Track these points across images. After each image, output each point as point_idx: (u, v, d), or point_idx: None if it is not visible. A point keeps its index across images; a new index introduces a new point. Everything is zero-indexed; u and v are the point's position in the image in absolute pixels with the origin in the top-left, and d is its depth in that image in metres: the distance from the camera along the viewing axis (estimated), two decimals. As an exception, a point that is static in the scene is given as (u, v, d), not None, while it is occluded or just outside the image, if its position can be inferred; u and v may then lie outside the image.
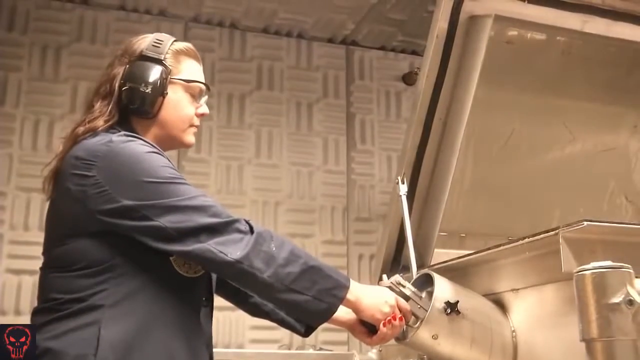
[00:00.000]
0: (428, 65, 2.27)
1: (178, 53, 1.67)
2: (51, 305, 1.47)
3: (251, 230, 1.47)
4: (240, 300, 1.86)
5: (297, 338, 3.17)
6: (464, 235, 2.46)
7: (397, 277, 1.69)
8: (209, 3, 3.61)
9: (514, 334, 1.72)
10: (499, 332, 1.71)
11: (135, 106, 1.59)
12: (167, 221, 1.43)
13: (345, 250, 3.74)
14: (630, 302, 1.18)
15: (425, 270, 1.83)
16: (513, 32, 2.38)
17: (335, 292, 1.51)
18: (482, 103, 2.28)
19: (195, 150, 3.56)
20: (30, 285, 3.11)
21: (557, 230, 1.46)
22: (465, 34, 2.30)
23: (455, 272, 1.87)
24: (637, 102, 2.66)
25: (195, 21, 3.74)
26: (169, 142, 1.67)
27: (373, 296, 1.59)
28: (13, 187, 3.24)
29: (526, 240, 1.58)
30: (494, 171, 2.51)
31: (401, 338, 1.71)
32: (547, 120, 2.56)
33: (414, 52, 4.09)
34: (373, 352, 2.44)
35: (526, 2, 2.32)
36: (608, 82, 2.60)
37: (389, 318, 1.59)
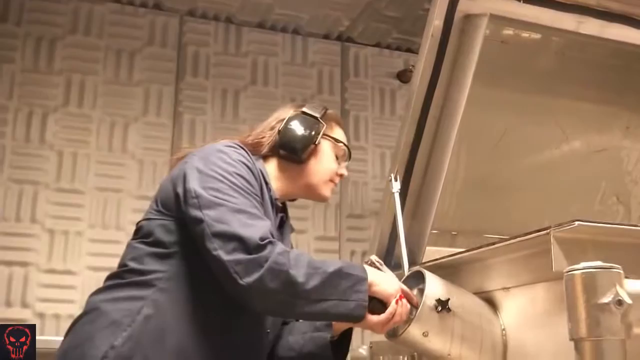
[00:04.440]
0: (422, 64, 2.27)
1: (331, 118, 1.87)
2: (119, 271, 1.60)
3: (273, 253, 1.47)
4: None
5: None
6: (455, 233, 2.46)
7: (373, 257, 1.71)
8: (205, -3, 3.61)
9: (504, 332, 1.72)
10: (490, 330, 1.71)
11: (287, 145, 1.76)
12: (207, 216, 1.50)
13: (337, 247, 3.75)
14: (620, 303, 1.18)
15: (417, 268, 1.84)
16: (508, 32, 2.39)
17: (357, 287, 1.54)
18: (476, 102, 2.28)
19: (188, 145, 3.56)
20: (21, 277, 3.10)
21: (548, 230, 1.46)
22: (460, 33, 2.30)
23: (447, 270, 1.88)
24: (630, 103, 2.67)
25: (191, 15, 3.73)
26: (307, 191, 1.82)
27: (384, 277, 1.64)
28: (5, 179, 3.23)
29: (517, 239, 1.59)
30: (487, 170, 2.52)
31: (392, 335, 1.72)
32: (541, 120, 2.56)
33: (409, 50, 4.09)
34: (363, 348, 2.45)
35: (522, 1, 2.32)
36: (602, 83, 2.60)
37: (399, 295, 1.61)
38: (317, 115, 1.82)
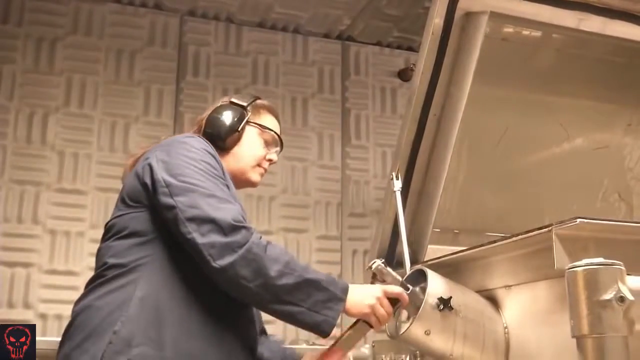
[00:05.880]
0: (423, 62, 2.27)
1: (260, 106, 1.92)
2: (99, 272, 1.59)
3: (248, 240, 1.50)
4: None
5: (290, 332, 3.18)
6: (457, 231, 2.46)
7: (379, 265, 1.67)
8: (205, -3, 3.60)
9: (506, 330, 1.72)
10: (492, 328, 1.71)
11: (212, 133, 1.81)
12: (179, 202, 1.53)
13: (339, 246, 3.75)
14: (621, 299, 1.18)
15: (419, 266, 1.84)
16: (508, 29, 2.39)
17: (330, 305, 1.53)
18: (476, 100, 2.28)
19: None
20: (23, 277, 3.10)
21: (550, 227, 1.46)
22: (460, 31, 2.30)
23: (449, 268, 1.88)
24: (632, 100, 2.67)
25: (191, 15, 3.73)
26: (236, 176, 1.83)
27: (359, 294, 1.60)
28: (7, 180, 3.23)
29: (519, 237, 1.59)
30: (488, 168, 2.52)
31: (394, 334, 1.72)
32: (542, 118, 2.56)
33: (409, 48, 4.09)
34: (366, 347, 2.45)
35: (522, -1, 2.32)
36: (603, 80, 2.60)
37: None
38: (244, 103, 1.89)
